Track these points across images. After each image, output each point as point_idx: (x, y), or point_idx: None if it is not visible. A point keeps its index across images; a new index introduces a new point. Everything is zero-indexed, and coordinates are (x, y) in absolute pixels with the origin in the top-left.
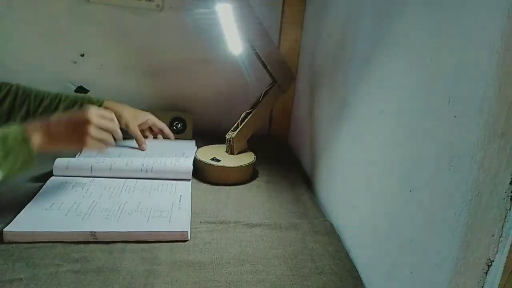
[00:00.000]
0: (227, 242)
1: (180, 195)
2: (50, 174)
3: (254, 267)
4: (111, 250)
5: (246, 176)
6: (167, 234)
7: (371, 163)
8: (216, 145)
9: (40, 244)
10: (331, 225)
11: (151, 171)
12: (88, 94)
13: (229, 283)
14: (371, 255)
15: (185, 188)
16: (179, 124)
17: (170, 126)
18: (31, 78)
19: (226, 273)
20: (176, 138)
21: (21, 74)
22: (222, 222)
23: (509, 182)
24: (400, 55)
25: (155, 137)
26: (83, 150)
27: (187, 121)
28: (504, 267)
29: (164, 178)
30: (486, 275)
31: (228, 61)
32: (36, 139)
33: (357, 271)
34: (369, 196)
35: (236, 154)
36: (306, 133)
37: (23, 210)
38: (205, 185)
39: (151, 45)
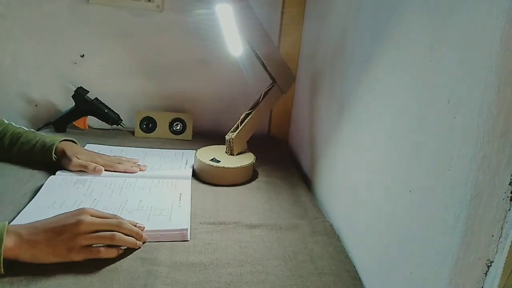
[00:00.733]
0: (226, 243)
1: (180, 193)
2: (51, 172)
3: (254, 267)
4: None
5: (246, 176)
6: (168, 232)
7: (370, 163)
8: (216, 145)
9: None
10: (331, 225)
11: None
12: (36, 132)
13: (229, 284)
14: (371, 255)
15: (185, 186)
16: (179, 125)
17: (170, 127)
18: (30, 78)
19: (226, 273)
20: (175, 139)
21: (21, 74)
22: (222, 223)
23: (508, 182)
24: (400, 56)
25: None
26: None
27: (186, 122)
28: (504, 267)
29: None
30: (485, 276)
31: (228, 62)
32: (10, 242)
33: (356, 271)
34: (368, 196)
35: (236, 154)
36: (306, 133)
37: (24, 209)
38: (204, 185)
39: (151, 46)
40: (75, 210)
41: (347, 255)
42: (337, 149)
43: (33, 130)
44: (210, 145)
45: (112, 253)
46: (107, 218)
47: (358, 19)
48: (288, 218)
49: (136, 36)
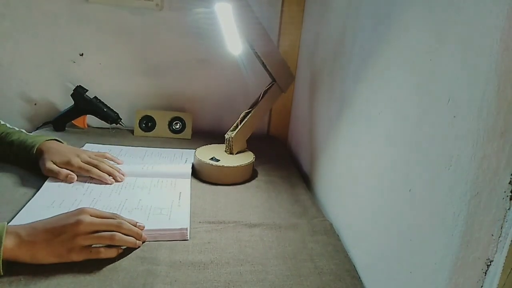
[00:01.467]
0: (226, 242)
1: (180, 192)
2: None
3: (254, 267)
4: None
5: (245, 176)
6: (167, 232)
7: (370, 162)
8: (215, 144)
9: None
10: (331, 224)
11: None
12: (24, 133)
13: (228, 283)
14: (371, 255)
15: (185, 185)
16: (178, 124)
17: (169, 126)
18: (29, 77)
19: (225, 273)
20: (175, 138)
21: (20, 73)
22: (221, 222)
23: (508, 181)
24: (400, 55)
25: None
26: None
27: (186, 121)
28: (503, 266)
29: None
30: (485, 275)
31: (227, 61)
32: (9, 243)
33: (356, 271)
34: (368, 195)
35: (235, 154)
36: (305, 132)
37: (23, 208)
38: (204, 185)
39: (150, 45)
40: (75, 210)
41: (347, 254)
42: (337, 148)
43: (22, 130)
44: (210, 144)
45: (112, 253)
46: (107, 217)
47: (357, 18)
48: (288, 217)
49: (136, 35)
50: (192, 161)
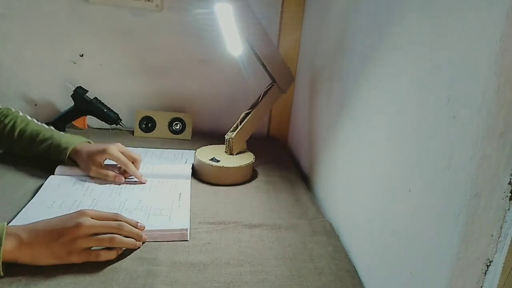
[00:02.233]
0: (226, 243)
1: (180, 193)
2: (50, 172)
3: (254, 267)
4: None
5: (245, 176)
6: (167, 232)
7: (370, 163)
8: (215, 145)
9: None
10: (331, 225)
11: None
12: (56, 132)
13: (229, 284)
14: (371, 255)
15: (185, 185)
16: (178, 125)
17: (169, 127)
18: (30, 78)
19: (225, 273)
20: (175, 139)
21: (20, 74)
22: (221, 223)
23: (508, 182)
24: (399, 55)
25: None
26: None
27: (186, 121)
28: (503, 267)
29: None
30: (485, 275)
31: (227, 62)
32: (9, 245)
33: (356, 271)
34: (368, 196)
35: (236, 154)
36: (305, 133)
37: (24, 209)
38: (204, 185)
39: (150, 45)
40: (75, 212)
41: (347, 255)
42: (337, 148)
43: (52, 128)
44: (210, 144)
45: (112, 255)
46: (108, 218)
47: (357, 18)
48: (288, 217)
49: (136, 36)
50: (192, 161)
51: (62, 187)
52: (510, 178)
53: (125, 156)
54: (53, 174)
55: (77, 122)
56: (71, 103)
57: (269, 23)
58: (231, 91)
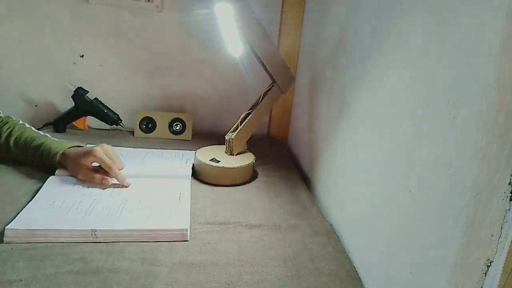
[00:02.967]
0: (226, 243)
1: (180, 193)
2: (50, 173)
3: (254, 267)
4: (110, 251)
5: (245, 177)
6: (167, 232)
7: (370, 163)
8: (216, 145)
9: (39, 245)
10: (331, 225)
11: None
12: (50, 138)
13: (229, 284)
14: (371, 255)
15: (185, 185)
16: (179, 125)
17: (170, 127)
18: (30, 78)
19: (225, 273)
20: (175, 139)
21: (20, 74)
22: (221, 223)
23: (508, 182)
24: (400, 56)
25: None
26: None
27: (186, 122)
28: (503, 267)
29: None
30: (485, 276)
31: (227, 62)
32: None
33: (356, 271)
34: (368, 196)
35: (236, 154)
36: (305, 133)
37: (24, 209)
38: (204, 186)
39: (150, 46)
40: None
41: (347, 255)
42: (337, 149)
43: (46, 135)
44: (210, 145)
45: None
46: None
47: (357, 19)
48: (288, 218)
49: (136, 36)
50: (193, 162)
51: (62, 187)
52: (510, 179)
53: (110, 158)
54: (54, 174)
55: (77, 123)
56: (71, 103)
57: (269, 23)
58: (232, 91)
